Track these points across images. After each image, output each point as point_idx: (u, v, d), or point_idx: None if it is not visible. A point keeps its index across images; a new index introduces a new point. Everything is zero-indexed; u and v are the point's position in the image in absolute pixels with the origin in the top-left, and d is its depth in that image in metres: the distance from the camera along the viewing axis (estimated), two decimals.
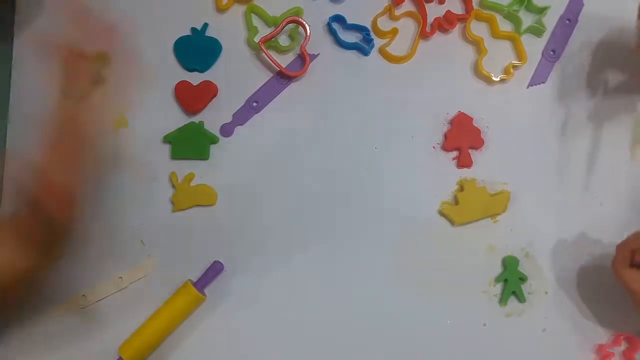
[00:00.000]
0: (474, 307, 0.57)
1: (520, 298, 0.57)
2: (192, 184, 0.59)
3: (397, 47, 0.61)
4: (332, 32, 0.61)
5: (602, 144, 0.59)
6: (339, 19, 0.62)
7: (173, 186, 0.59)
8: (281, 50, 0.61)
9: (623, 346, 0.56)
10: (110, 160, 0.59)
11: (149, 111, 0.60)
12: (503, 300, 0.56)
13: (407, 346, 0.56)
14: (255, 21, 0.62)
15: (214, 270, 0.56)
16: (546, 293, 0.57)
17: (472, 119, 0.60)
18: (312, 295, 0.57)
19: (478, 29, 0.61)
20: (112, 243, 0.58)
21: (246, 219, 0.58)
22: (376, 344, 0.56)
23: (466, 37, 0.61)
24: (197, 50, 0.61)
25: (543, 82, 0.61)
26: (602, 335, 0.56)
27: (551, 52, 0.61)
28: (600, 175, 0.59)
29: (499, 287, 0.57)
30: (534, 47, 0.61)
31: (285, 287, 0.57)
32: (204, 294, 0.56)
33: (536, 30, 0.61)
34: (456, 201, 0.58)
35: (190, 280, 0.56)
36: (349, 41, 0.61)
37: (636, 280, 0.50)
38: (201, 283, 0.56)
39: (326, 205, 0.59)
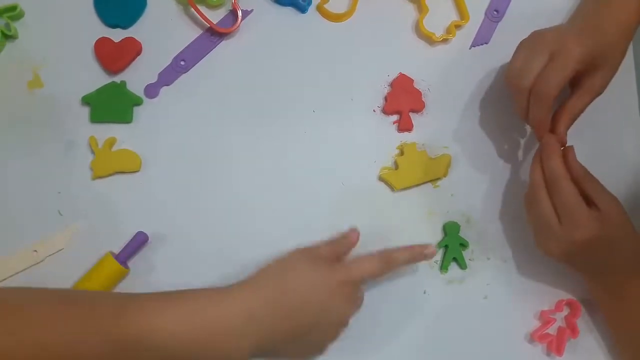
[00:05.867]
0: (414, 274, 0.55)
1: (462, 265, 0.55)
2: (114, 149, 0.54)
3: (336, 4, 0.58)
4: None
5: None
6: None
7: (92, 152, 0.54)
8: (212, 5, 0.57)
9: (565, 311, 0.55)
10: (23, 124, 0.54)
11: (66, 70, 0.56)
12: (444, 267, 0.55)
13: None
14: None
15: (137, 241, 0.52)
16: (488, 259, 0.56)
17: (412, 80, 0.57)
18: (244, 260, 0.52)
19: None
20: (26, 214, 0.53)
21: (172, 187, 0.54)
22: None
23: None
24: (120, 4, 0.56)
25: (486, 43, 0.59)
26: (545, 301, 0.55)
27: (495, 12, 0.59)
28: None
29: (439, 253, 0.55)
30: (477, 6, 0.59)
31: (213, 259, 0.53)
32: (126, 267, 0.52)
33: None
34: (396, 166, 0.56)
35: (111, 252, 0.52)
36: None
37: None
38: (123, 255, 0.52)
39: (261, 171, 0.55)
